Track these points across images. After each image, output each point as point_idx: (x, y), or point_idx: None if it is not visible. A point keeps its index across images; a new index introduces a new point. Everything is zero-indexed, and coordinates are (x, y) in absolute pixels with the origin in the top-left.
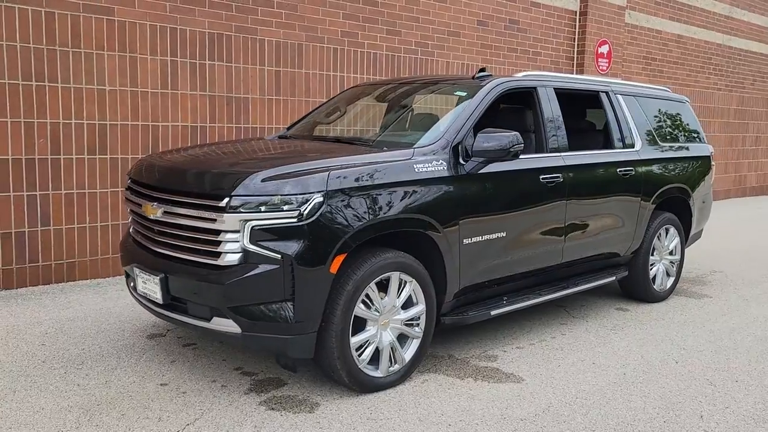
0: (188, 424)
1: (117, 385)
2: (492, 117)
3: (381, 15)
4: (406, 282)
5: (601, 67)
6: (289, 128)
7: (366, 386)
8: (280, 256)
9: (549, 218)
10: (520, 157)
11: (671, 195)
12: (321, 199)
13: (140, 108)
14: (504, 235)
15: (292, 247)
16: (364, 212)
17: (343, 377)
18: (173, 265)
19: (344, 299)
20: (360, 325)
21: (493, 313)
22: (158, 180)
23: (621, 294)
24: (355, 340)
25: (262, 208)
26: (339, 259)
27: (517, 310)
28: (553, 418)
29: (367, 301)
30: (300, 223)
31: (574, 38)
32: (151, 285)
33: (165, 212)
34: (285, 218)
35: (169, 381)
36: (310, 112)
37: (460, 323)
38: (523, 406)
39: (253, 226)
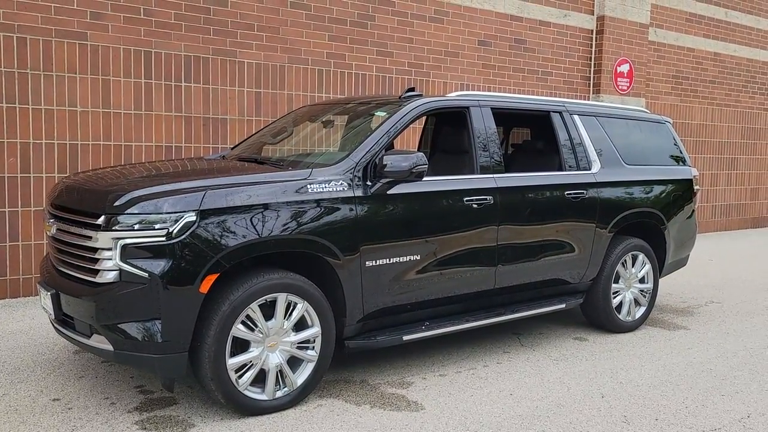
0: None
1: (12, 398)
2: (430, 138)
3: (370, 36)
4: (296, 304)
5: (621, 87)
6: (233, 147)
7: (246, 409)
8: (147, 274)
9: (476, 241)
10: (440, 177)
11: (639, 220)
12: (193, 218)
13: (112, 128)
14: (418, 258)
15: (160, 266)
16: (243, 232)
17: (220, 399)
18: (63, 282)
19: (218, 320)
20: (246, 346)
21: (405, 338)
22: (56, 198)
23: (586, 323)
24: (233, 362)
25: (136, 227)
26: (210, 279)
27: (435, 336)
28: None
29: (249, 322)
30: (169, 242)
31: (590, 57)
32: (47, 301)
33: (58, 230)
34: (155, 237)
35: (63, 396)
36: (257, 132)
37: (366, 348)
38: None
39: (124, 244)
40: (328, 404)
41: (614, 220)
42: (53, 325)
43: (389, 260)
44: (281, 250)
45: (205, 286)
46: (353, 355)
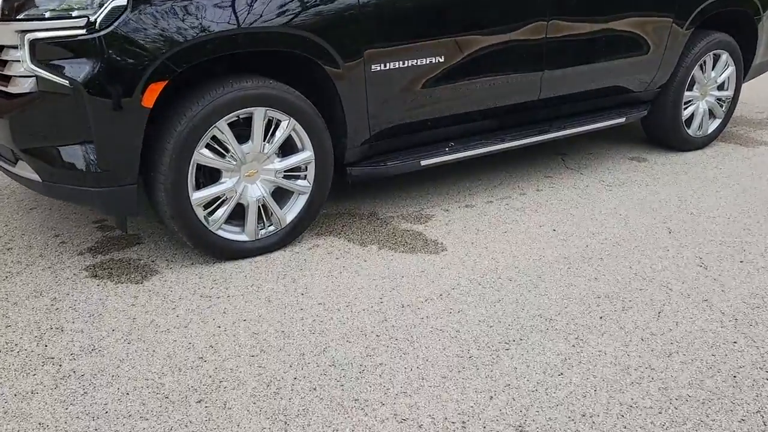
0: None
1: None
2: None
3: None
4: (279, 121)
5: None
6: None
7: (222, 252)
8: (68, 81)
9: (518, 37)
10: None
11: (727, 9)
12: (125, 1)
13: None
14: (441, 59)
15: (84, 70)
16: (199, 22)
17: (186, 241)
18: None
19: (174, 143)
20: (217, 176)
21: (424, 163)
22: None
23: (645, 140)
24: (199, 195)
25: (46, 14)
26: (155, 89)
27: (461, 160)
28: (445, 305)
29: (218, 146)
30: (91, 36)
31: None
32: None
33: None
34: (73, 28)
35: (4, 233)
36: None
37: (374, 176)
38: (418, 287)
39: (34, 40)
40: (326, 244)
41: (697, 9)
42: None
43: (403, 63)
44: (256, 50)
45: (149, 99)
46: (359, 185)
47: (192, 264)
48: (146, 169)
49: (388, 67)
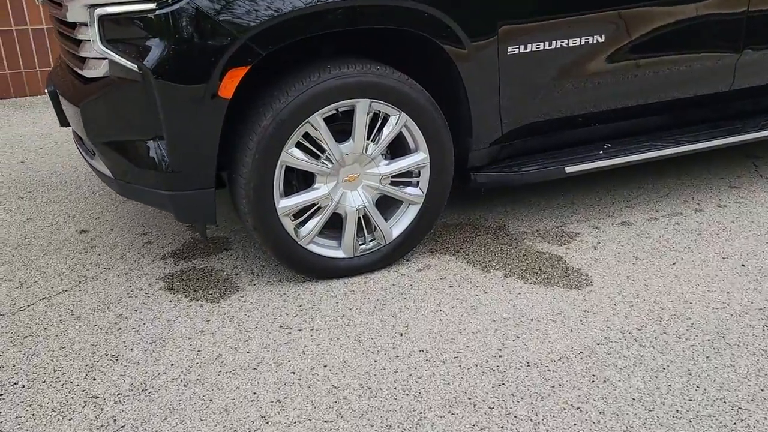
0: (62, 292)
1: (35, 225)
2: None
3: None
4: (387, 116)
5: None
6: None
7: (312, 270)
8: (136, 66)
9: (708, 11)
10: None
11: None
12: None
13: None
14: (601, 39)
15: (153, 54)
16: None
17: (271, 255)
18: (63, 78)
19: (258, 141)
20: (310, 180)
21: (570, 169)
22: None
23: None
24: (287, 203)
25: None
26: (235, 75)
27: (618, 166)
28: (586, 368)
29: (310, 145)
30: (160, 12)
31: None
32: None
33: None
34: (142, 2)
35: (93, 227)
36: None
37: (505, 183)
38: (551, 338)
39: (103, 16)
40: (440, 266)
41: None
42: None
43: (550, 44)
44: (360, 27)
45: (228, 87)
46: (484, 193)
47: (279, 281)
48: (228, 172)
49: (529, 49)
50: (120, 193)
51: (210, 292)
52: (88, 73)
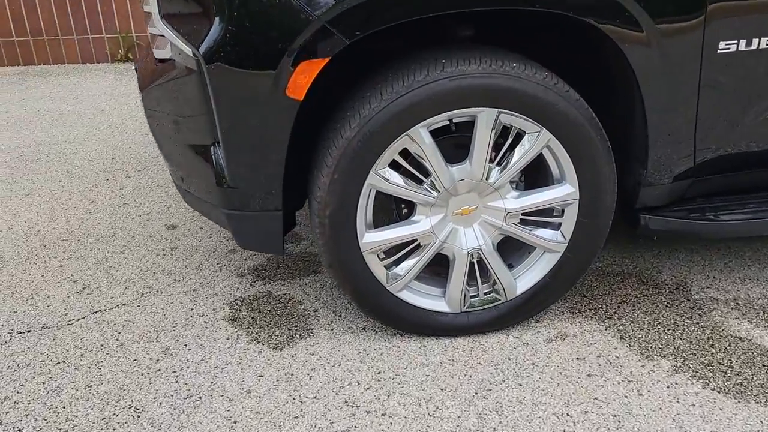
0: (119, 305)
1: (128, 212)
2: None
3: None
4: (521, 133)
5: None
6: None
7: (403, 324)
8: (191, 51)
9: None
10: None
11: None
12: None
13: None
14: None
15: (208, 36)
16: None
17: (352, 302)
18: (147, 55)
19: (338, 157)
20: (409, 209)
21: None
22: None
23: None
24: (374, 238)
25: None
26: (309, 69)
27: None
28: None
29: (409, 165)
30: None
31: None
32: None
33: None
34: None
35: (182, 224)
36: None
37: (688, 234)
38: None
39: None
40: (581, 338)
41: None
42: None
43: None
44: (488, 8)
45: (300, 85)
46: (655, 240)
47: (363, 329)
48: (302, 190)
49: (756, 46)
50: (185, 201)
51: (276, 333)
52: (156, 53)
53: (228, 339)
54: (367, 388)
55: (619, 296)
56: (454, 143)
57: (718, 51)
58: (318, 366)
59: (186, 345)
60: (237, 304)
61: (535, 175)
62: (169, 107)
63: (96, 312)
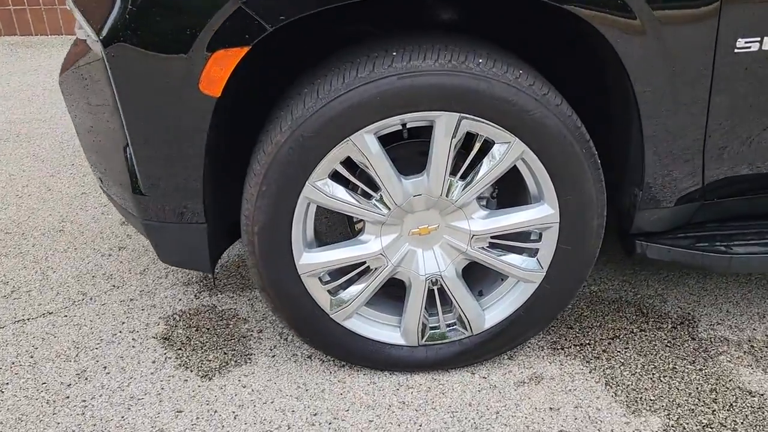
0: (45, 314)
1: (86, 202)
2: None
3: None
4: (490, 143)
5: None
6: None
7: (351, 356)
8: (94, 33)
9: None
10: None
11: None
12: None
13: None
14: None
15: (108, 18)
16: None
17: (289, 330)
18: None
19: (267, 164)
20: (360, 228)
21: None
22: None
23: None
24: (313, 260)
25: None
26: (225, 60)
27: None
28: None
29: (354, 177)
30: None
31: None
32: None
33: None
34: None
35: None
36: None
37: (692, 266)
38: None
39: None
40: (559, 381)
41: None
42: None
43: None
44: None
45: (215, 78)
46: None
47: (309, 357)
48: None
49: None
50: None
51: (210, 358)
52: (78, 32)
53: (154, 362)
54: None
55: (612, 330)
56: (419, 151)
57: (736, 50)
58: (247, 402)
59: (105, 367)
60: (174, 318)
61: (513, 192)
62: (83, 97)
63: (17, 321)
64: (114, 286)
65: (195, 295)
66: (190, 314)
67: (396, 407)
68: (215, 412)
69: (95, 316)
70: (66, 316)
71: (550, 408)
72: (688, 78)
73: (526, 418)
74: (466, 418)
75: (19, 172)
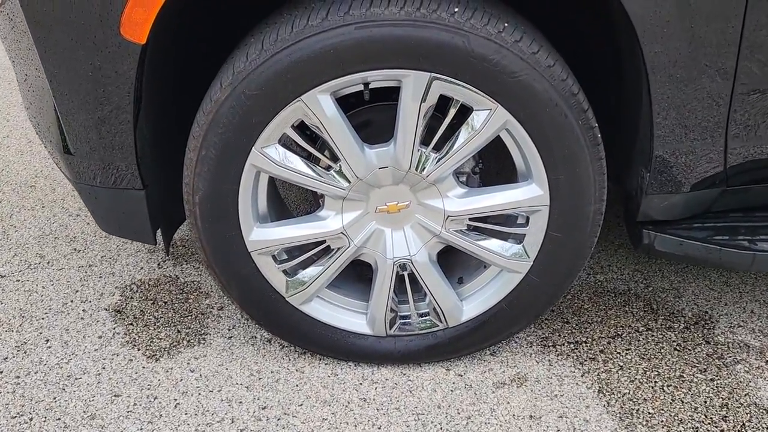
0: (0, 277)
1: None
2: None
3: None
4: (467, 108)
5: None
6: None
7: (311, 344)
8: None
9: None
10: None
11: None
12: None
13: None
14: None
15: None
16: None
17: (241, 311)
18: None
19: (206, 126)
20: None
21: None
22: None
23: None
24: (265, 236)
25: None
26: (144, 5)
27: None
28: None
29: (309, 145)
30: None
31: None
32: None
33: None
34: None
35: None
36: None
37: (707, 263)
38: None
39: None
40: (544, 384)
41: None
42: None
43: None
44: None
45: (137, 21)
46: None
47: (269, 341)
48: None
49: None
50: None
51: (161, 336)
52: None
53: (100, 338)
54: (242, 431)
55: (613, 327)
56: (393, 116)
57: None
58: (192, 389)
59: (48, 341)
60: (131, 289)
61: (502, 167)
62: (14, 42)
63: None
64: (75, 249)
65: (158, 264)
66: (149, 285)
67: (355, 404)
68: (155, 398)
69: (49, 282)
70: (18, 280)
71: (530, 416)
72: (708, 26)
73: (500, 426)
74: (432, 422)
75: (2, 121)
